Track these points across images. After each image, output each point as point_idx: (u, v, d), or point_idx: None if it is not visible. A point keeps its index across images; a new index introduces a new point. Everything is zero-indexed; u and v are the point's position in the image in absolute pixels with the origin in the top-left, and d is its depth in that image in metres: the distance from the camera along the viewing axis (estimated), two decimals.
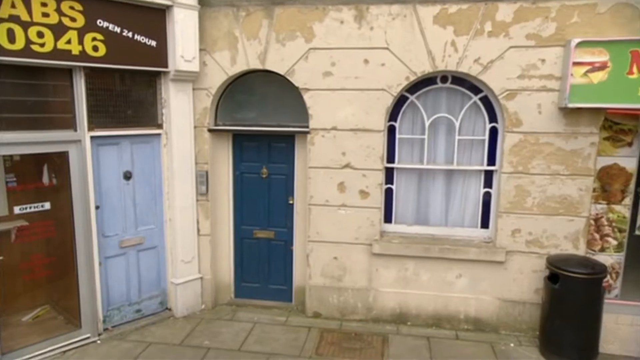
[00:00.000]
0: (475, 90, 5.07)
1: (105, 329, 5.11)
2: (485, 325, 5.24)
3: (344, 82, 5.11)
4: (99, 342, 4.95)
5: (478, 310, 5.24)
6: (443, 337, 5.13)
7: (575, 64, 4.41)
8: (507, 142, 4.91)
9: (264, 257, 5.93)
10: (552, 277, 4.63)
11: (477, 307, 5.24)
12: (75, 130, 4.58)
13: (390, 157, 5.38)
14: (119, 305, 5.24)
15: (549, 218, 4.93)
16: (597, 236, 5.01)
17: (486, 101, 5.06)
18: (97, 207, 4.88)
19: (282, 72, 5.23)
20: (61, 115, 4.51)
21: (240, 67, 5.29)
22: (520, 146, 4.87)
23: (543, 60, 4.67)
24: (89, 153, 4.68)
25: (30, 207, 4.50)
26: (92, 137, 4.70)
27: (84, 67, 4.48)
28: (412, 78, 4.99)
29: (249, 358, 4.68)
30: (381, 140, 5.17)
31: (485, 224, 5.33)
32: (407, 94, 5.21)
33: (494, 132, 5.11)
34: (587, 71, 4.40)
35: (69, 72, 4.45)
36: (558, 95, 4.68)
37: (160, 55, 4.94)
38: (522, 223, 5.00)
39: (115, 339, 5.02)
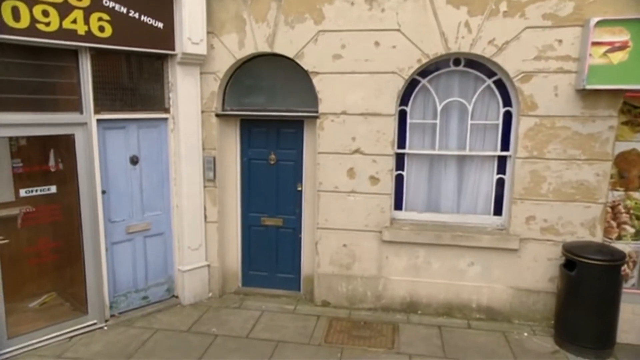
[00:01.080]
0: (489, 73, 4.93)
1: (112, 315, 5.06)
2: (497, 314, 5.12)
3: (354, 65, 5.00)
4: (105, 328, 4.90)
5: (491, 299, 5.12)
6: (455, 326, 5.02)
7: (594, 44, 4.27)
8: (521, 126, 4.77)
9: (271, 245, 5.84)
10: (568, 265, 4.50)
11: (489, 295, 5.12)
12: (82, 112, 4.51)
13: (401, 143, 5.26)
14: (125, 292, 5.18)
15: (565, 204, 4.79)
16: (613, 224, 4.86)
17: (500, 84, 4.92)
18: (103, 192, 4.82)
19: (290, 56, 5.12)
20: (67, 97, 4.44)
21: (248, 51, 5.19)
22: (535, 130, 4.73)
23: (560, 41, 4.52)
24: (95, 136, 4.62)
25: (36, 190, 4.45)
26: (98, 120, 4.62)
27: (90, 48, 4.41)
28: (424, 60, 4.86)
29: (258, 345, 4.60)
30: (392, 124, 5.05)
31: (498, 211, 5.20)
32: (419, 78, 5.09)
33: (508, 117, 4.98)
34: (607, 51, 4.26)
35: (74, 53, 4.38)
36: (575, 77, 4.53)
37: (167, 37, 4.86)
38: (537, 210, 4.87)
39: (122, 325, 4.97)
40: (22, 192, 4.38)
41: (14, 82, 4.12)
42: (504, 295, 5.09)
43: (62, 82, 4.43)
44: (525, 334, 4.83)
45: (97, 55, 4.52)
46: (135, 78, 4.90)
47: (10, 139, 4.65)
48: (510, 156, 5.01)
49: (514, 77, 4.69)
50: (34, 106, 4.24)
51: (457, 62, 5.00)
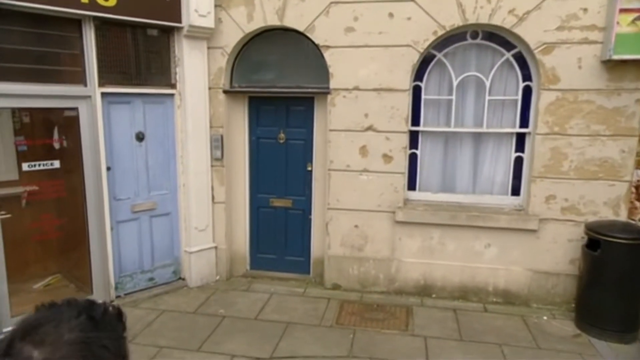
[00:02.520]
0: (508, 46, 4.72)
1: (118, 297, 4.93)
2: (515, 297, 4.93)
3: (367, 38, 4.81)
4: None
5: (508, 282, 4.94)
6: (470, 309, 4.84)
7: (623, 10, 4.05)
8: (542, 100, 4.57)
9: (280, 227, 5.69)
10: (592, 245, 4.30)
11: (506, 278, 4.94)
12: (85, 85, 4.37)
13: (415, 120, 5.07)
14: (131, 273, 5.06)
15: (587, 183, 4.59)
16: (638, 204, 4.65)
17: (520, 58, 4.71)
18: (108, 169, 4.68)
19: (301, 29, 4.94)
20: (70, 68, 4.30)
21: (257, 24, 5.01)
22: (557, 105, 4.52)
23: (585, 10, 4.30)
24: (99, 110, 4.47)
25: (39, 165, 4.31)
26: (102, 94, 4.48)
27: (94, 18, 4.25)
28: (441, 33, 4.66)
29: (267, 326, 4.45)
30: (406, 100, 4.86)
31: (516, 191, 5.00)
32: (434, 52, 4.89)
33: (527, 92, 4.77)
34: (636, 19, 4.04)
35: (78, 22, 4.23)
36: (601, 48, 4.31)
37: (173, 8, 4.69)
38: (557, 188, 4.67)
39: (128, 306, 4.83)
40: (25, 166, 4.25)
41: (16, 51, 3.99)
42: (521, 278, 4.90)
43: (65, 52, 4.29)
44: (545, 318, 4.64)
45: (101, 26, 4.36)
46: (140, 51, 4.75)
47: (14, 115, 4.53)
48: (529, 133, 4.80)
49: (535, 48, 4.48)
50: (36, 77, 4.10)
51: (474, 35, 4.79)
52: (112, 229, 4.79)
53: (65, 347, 0.68)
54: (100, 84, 4.44)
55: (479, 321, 4.58)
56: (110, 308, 0.79)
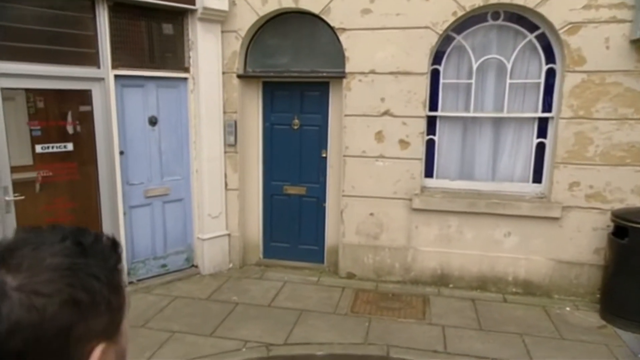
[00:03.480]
0: (531, 27, 4.56)
1: (130, 282, 4.89)
2: (536, 288, 4.77)
3: (384, 20, 4.69)
4: None
5: (529, 272, 4.78)
6: (489, 299, 4.70)
7: None
8: (567, 83, 4.39)
9: (294, 215, 5.60)
10: (619, 233, 4.12)
11: (527, 268, 4.78)
12: (99, 67, 4.33)
13: (433, 105, 4.93)
14: (144, 259, 5.02)
15: (614, 169, 4.40)
16: None
17: (543, 39, 4.54)
18: (121, 153, 4.64)
19: (316, 12, 4.84)
20: (84, 49, 4.26)
21: (271, 7, 4.92)
22: (582, 87, 4.35)
23: None
24: (112, 93, 4.42)
25: (52, 147, 4.28)
26: (116, 76, 4.43)
27: None
28: (460, 13, 4.51)
29: (280, 313, 4.37)
30: (424, 83, 4.73)
31: (537, 178, 4.84)
32: (453, 34, 4.74)
33: (550, 75, 4.60)
34: None
35: (91, 3, 4.18)
36: (630, 27, 4.13)
37: None
38: (581, 175, 4.49)
39: (140, 292, 4.80)
40: (39, 148, 4.21)
41: (30, 31, 3.95)
42: (543, 268, 4.74)
43: (79, 33, 4.25)
44: (568, 309, 4.48)
45: (115, 7, 4.31)
46: (154, 34, 4.69)
47: (28, 100, 4.50)
48: (552, 118, 4.63)
49: (560, 29, 4.31)
50: (50, 58, 4.06)
51: (495, 16, 4.63)
52: (125, 213, 4.75)
53: (46, 272, 0.56)
54: (114, 66, 4.39)
55: (499, 311, 4.43)
56: (104, 237, 0.65)
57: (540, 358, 3.61)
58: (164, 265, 5.17)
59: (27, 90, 4.15)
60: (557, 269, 4.70)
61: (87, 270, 0.59)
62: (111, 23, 4.30)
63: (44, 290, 0.54)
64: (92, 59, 4.29)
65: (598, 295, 4.47)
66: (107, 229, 4.62)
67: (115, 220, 4.66)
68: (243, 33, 5.03)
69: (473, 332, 4.02)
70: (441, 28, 4.59)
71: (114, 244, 0.65)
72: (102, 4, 4.21)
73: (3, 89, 3.88)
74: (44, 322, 0.53)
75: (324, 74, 5.06)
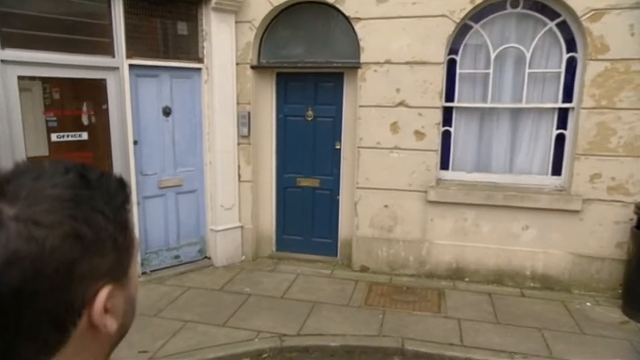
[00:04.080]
0: (552, 14, 4.44)
1: (143, 273, 4.90)
2: (555, 283, 4.66)
3: (400, 8, 4.61)
4: None
5: (547, 266, 4.67)
6: (506, 294, 4.59)
7: None
8: (589, 72, 4.27)
9: (307, 208, 5.55)
10: None
11: (546, 262, 4.66)
12: (113, 56, 4.33)
13: (449, 96, 4.84)
14: (157, 250, 5.02)
15: (638, 160, 4.27)
16: None
17: (564, 27, 4.42)
18: (135, 143, 4.64)
19: (330, 1, 4.78)
20: (99, 39, 4.26)
21: None
22: (605, 76, 4.22)
23: None
24: (127, 83, 4.42)
25: (67, 136, 4.29)
26: (130, 66, 4.43)
27: None
28: (478, 1, 4.42)
29: (293, 305, 4.33)
30: (440, 73, 4.64)
31: (557, 170, 4.72)
32: (471, 22, 4.65)
33: (571, 64, 4.47)
34: None
35: None
36: None
37: None
38: (603, 166, 4.37)
39: (153, 282, 4.80)
40: (54, 137, 4.23)
41: (46, 19, 3.97)
42: (562, 262, 4.62)
43: (94, 22, 4.26)
44: (588, 304, 4.36)
45: None
46: (168, 24, 4.68)
47: (44, 90, 4.52)
48: (573, 108, 4.51)
49: (582, 15, 4.19)
50: (65, 47, 4.07)
51: (514, 3, 4.53)
52: (138, 204, 4.76)
53: (47, 202, 0.50)
54: (128, 56, 4.39)
55: (517, 305, 4.33)
56: (111, 175, 0.59)
57: (561, 352, 3.50)
58: (176, 257, 5.17)
59: (42, 80, 4.17)
60: (577, 263, 4.57)
61: (91, 203, 0.53)
62: (126, 12, 4.30)
63: (44, 221, 0.49)
64: (107, 48, 4.29)
65: (620, 291, 4.34)
66: None
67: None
68: (257, 23, 5.00)
69: (490, 325, 3.93)
70: (458, 16, 4.50)
71: (122, 182, 0.60)
72: None
73: (20, 77, 3.90)
74: (43, 255, 0.48)
75: (339, 65, 5.00)
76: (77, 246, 0.50)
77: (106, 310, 0.54)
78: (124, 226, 0.57)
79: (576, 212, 4.48)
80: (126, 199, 0.59)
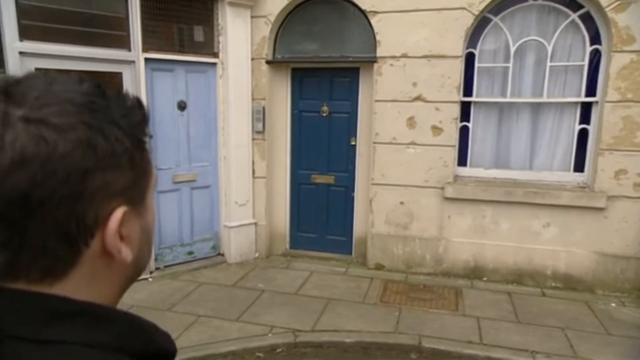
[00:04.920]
0: (574, 6, 4.32)
1: (157, 268, 4.88)
2: (577, 283, 4.51)
3: (418, 1, 4.54)
4: (150, 279, 4.72)
5: (569, 266, 4.52)
6: (526, 293, 4.46)
7: None
8: (614, 64, 4.14)
9: (322, 205, 5.48)
10: None
11: (568, 261, 4.52)
12: (130, 50, 4.33)
13: (467, 90, 4.75)
14: (170, 245, 5.00)
15: None
16: None
17: (587, 18, 4.30)
18: (150, 137, 4.59)
19: None
20: (115, 32, 4.27)
21: None
22: (631, 68, 4.09)
23: None
24: (142, 76, 4.42)
25: None
26: (146, 60, 4.43)
27: None
28: None
29: (307, 301, 4.26)
30: (458, 67, 4.55)
31: (579, 167, 4.58)
32: (490, 15, 4.55)
33: (595, 56, 4.35)
34: None
35: None
36: None
37: None
38: (629, 162, 4.22)
39: (167, 277, 4.78)
40: None
41: (62, 11, 3.99)
42: (585, 261, 4.47)
43: (111, 15, 4.27)
44: (613, 305, 4.20)
45: None
46: (184, 18, 4.67)
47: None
48: (597, 102, 4.38)
49: (607, 6, 4.06)
50: (82, 39, 4.09)
51: None
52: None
53: (58, 104, 0.45)
54: (144, 49, 4.39)
55: (538, 304, 4.20)
56: (128, 94, 0.54)
57: (586, 352, 3.37)
58: (190, 252, 5.14)
59: (59, 72, 4.19)
60: (600, 263, 4.42)
61: (107, 113, 0.49)
62: (142, 6, 4.31)
63: (56, 122, 0.45)
64: (123, 42, 4.30)
65: None
66: None
67: None
68: (273, 18, 4.97)
69: (510, 324, 3.81)
70: (477, 9, 4.40)
71: (139, 102, 0.55)
72: None
73: (37, 69, 3.91)
74: (54, 158, 0.44)
75: (354, 59, 4.93)
76: (91, 155, 0.46)
77: (121, 237, 0.50)
78: (142, 146, 0.53)
79: (600, 209, 4.33)
80: (144, 118, 0.55)
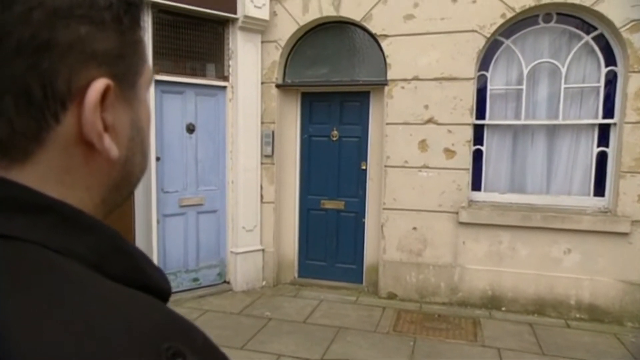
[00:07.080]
0: (587, 27, 4.29)
1: None
2: (604, 314, 4.24)
3: (428, 25, 4.54)
4: None
5: (594, 295, 4.27)
6: (549, 324, 4.20)
7: None
8: (631, 85, 4.05)
9: (331, 231, 5.32)
10: None
11: (592, 290, 4.27)
12: None
13: (480, 113, 4.66)
14: (175, 271, 4.84)
15: None
16: None
17: (601, 40, 4.25)
18: (157, 159, 4.57)
19: (357, 19, 4.75)
20: None
21: (312, 16, 4.88)
22: None
23: None
24: (152, 98, 4.40)
25: None
26: (156, 81, 4.42)
27: (152, 4, 4.26)
28: (510, 15, 4.31)
29: (316, 330, 4.04)
30: (470, 89, 4.49)
31: (599, 191, 4.41)
32: (502, 38, 4.53)
33: (611, 78, 4.27)
34: None
35: None
36: None
37: None
38: None
39: (171, 305, 4.54)
40: None
41: None
42: (611, 291, 4.22)
43: None
44: None
45: (158, 13, 4.37)
46: (195, 42, 4.70)
47: None
48: (615, 124, 4.26)
49: (622, 27, 4.02)
50: None
51: (547, 18, 4.40)
52: (158, 222, 4.63)
53: None
54: (155, 71, 4.39)
55: (562, 336, 3.93)
56: None
57: None
58: (195, 279, 4.97)
59: None
60: (628, 292, 4.17)
61: None
62: (154, 29, 4.35)
63: None
64: None
65: None
66: (140, 236, 4.51)
67: (149, 228, 4.54)
68: (283, 43, 5.00)
69: (535, 356, 3.55)
70: (489, 31, 4.39)
71: None
72: (147, 10, 4.27)
73: None
74: None
75: (365, 83, 4.91)
76: None
77: (105, 126, 0.39)
78: (133, 11, 0.42)
79: (624, 234, 4.13)
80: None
